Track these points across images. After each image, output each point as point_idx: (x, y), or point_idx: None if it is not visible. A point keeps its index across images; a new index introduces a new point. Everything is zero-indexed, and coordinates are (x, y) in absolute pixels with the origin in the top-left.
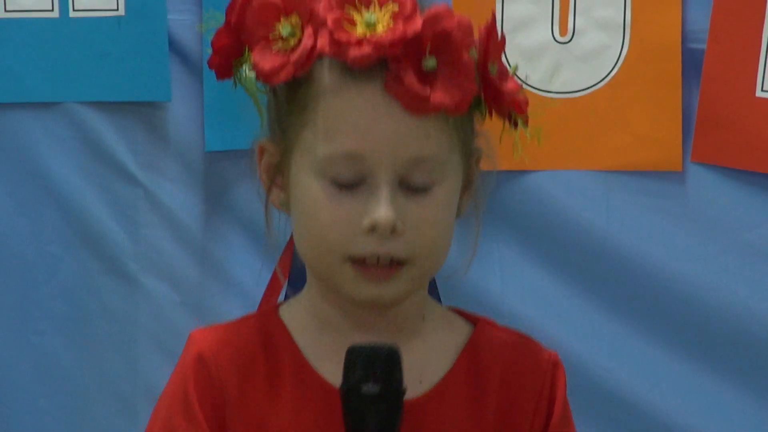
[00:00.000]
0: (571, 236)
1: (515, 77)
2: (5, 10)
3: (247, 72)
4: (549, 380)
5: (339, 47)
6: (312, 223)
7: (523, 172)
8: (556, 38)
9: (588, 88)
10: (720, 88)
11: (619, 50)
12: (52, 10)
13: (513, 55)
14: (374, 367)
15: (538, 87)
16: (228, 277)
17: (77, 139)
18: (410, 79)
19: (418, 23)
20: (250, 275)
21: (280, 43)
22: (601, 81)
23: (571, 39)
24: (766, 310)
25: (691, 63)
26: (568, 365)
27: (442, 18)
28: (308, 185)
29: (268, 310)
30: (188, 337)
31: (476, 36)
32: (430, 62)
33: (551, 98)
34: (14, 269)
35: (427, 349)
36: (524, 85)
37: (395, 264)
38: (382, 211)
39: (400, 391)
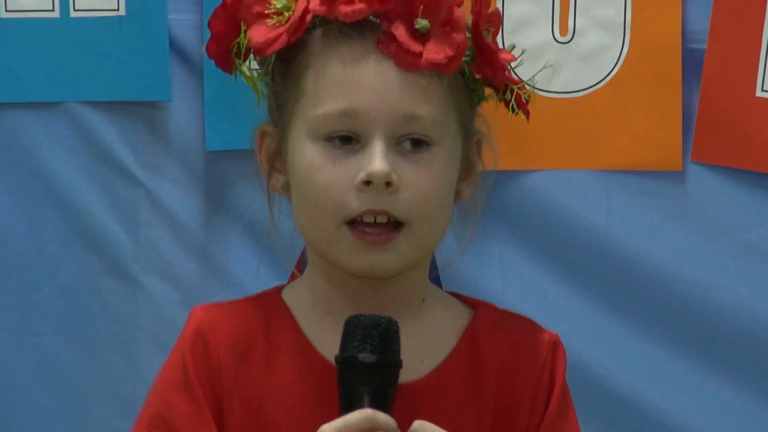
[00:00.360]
0: (572, 236)
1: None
2: (6, 10)
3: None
4: (549, 360)
5: (330, 5)
6: (309, 187)
7: (523, 172)
8: (557, 38)
9: (588, 87)
10: (720, 88)
11: (620, 50)
12: (53, 10)
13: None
14: (372, 337)
15: (538, 87)
16: (228, 276)
17: (78, 139)
18: (402, 36)
19: None
20: (250, 275)
21: (275, 17)
22: (601, 81)
23: (571, 39)
24: (766, 309)
25: (692, 63)
26: (569, 364)
27: None
28: (304, 150)
29: (272, 290)
30: (189, 313)
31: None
32: (422, 23)
33: (551, 98)
34: (15, 269)
35: (428, 332)
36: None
37: (392, 226)
38: (376, 163)
39: (396, 364)
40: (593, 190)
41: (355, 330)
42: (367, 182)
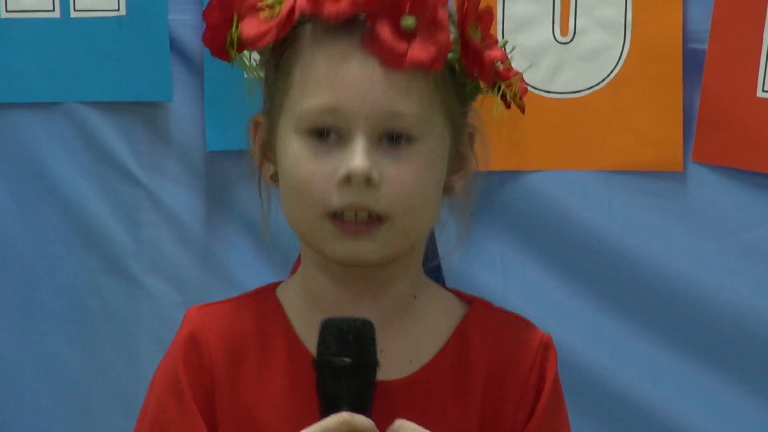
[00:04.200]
0: (573, 236)
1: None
2: (6, 11)
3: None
4: (539, 360)
5: (317, 4)
6: (293, 179)
7: (524, 172)
8: (557, 38)
9: (589, 88)
10: (721, 88)
11: (621, 50)
12: (53, 10)
13: (514, 56)
14: (347, 341)
15: (539, 87)
16: (229, 276)
17: (78, 139)
18: (387, 34)
19: None
20: (251, 274)
21: (267, 12)
22: (602, 81)
23: (572, 39)
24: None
25: (693, 63)
26: (570, 365)
27: None
28: (290, 143)
29: (267, 287)
30: (184, 315)
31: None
32: (408, 21)
33: (552, 98)
34: (16, 269)
35: (419, 329)
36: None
37: (374, 220)
38: (356, 160)
39: (373, 365)
40: (594, 190)
41: (331, 333)
42: (348, 179)
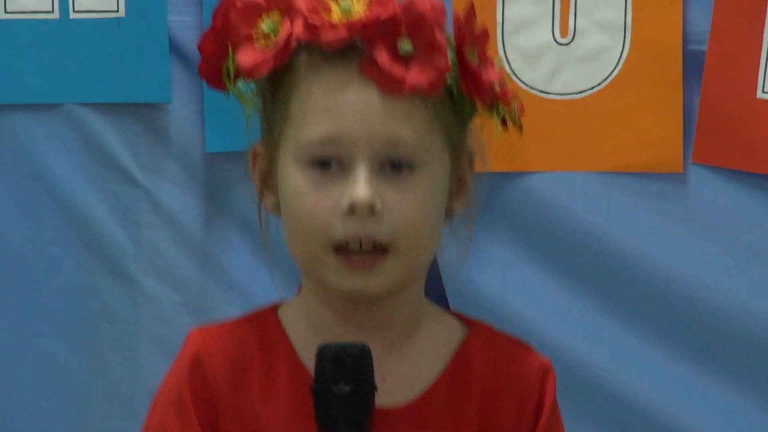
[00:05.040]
0: (573, 237)
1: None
2: (5, 12)
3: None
4: (537, 386)
5: (313, 32)
6: (295, 212)
7: (524, 174)
8: (557, 39)
9: (589, 89)
10: (721, 89)
11: (620, 51)
12: (53, 11)
13: (513, 56)
14: (344, 367)
15: (538, 88)
16: (229, 278)
17: (78, 141)
18: (385, 60)
19: (392, 7)
20: (250, 276)
21: (262, 41)
22: (602, 82)
23: (571, 40)
24: (767, 310)
25: (692, 64)
26: (569, 366)
27: (416, 3)
28: (290, 175)
29: (268, 309)
30: (186, 336)
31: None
32: (405, 46)
33: (552, 100)
34: (15, 270)
35: (419, 356)
36: (524, 87)
37: (378, 251)
38: (359, 189)
39: (370, 391)
40: (594, 191)
41: (327, 360)
42: (351, 209)
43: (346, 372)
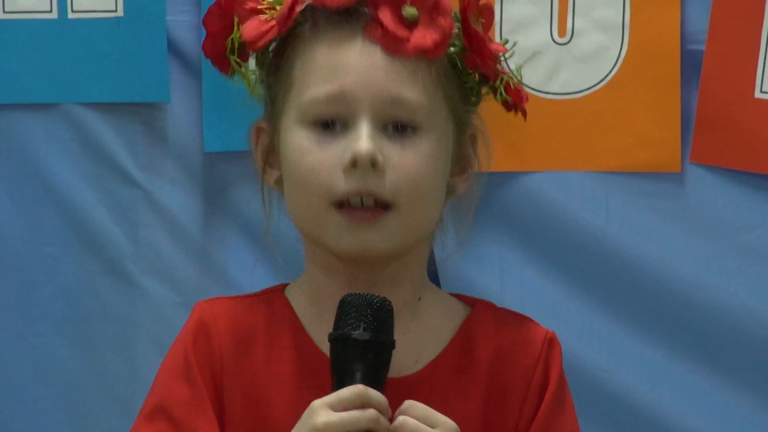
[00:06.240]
0: (571, 237)
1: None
2: (4, 11)
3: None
4: (543, 357)
5: None
6: (297, 170)
7: (522, 174)
8: (555, 39)
9: (587, 89)
10: (719, 89)
11: (618, 51)
12: (51, 11)
13: (512, 56)
14: (366, 315)
15: (537, 88)
16: (227, 278)
17: (76, 140)
18: (389, 22)
19: None
20: (248, 276)
21: (268, 12)
22: (600, 82)
23: (570, 40)
24: (765, 310)
25: (690, 64)
26: (567, 366)
27: None
28: (294, 136)
29: (275, 288)
30: (193, 307)
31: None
32: (410, 11)
33: (550, 99)
34: (13, 270)
35: (423, 329)
36: (523, 86)
37: (380, 207)
38: (361, 143)
39: (389, 342)
40: (592, 191)
41: (349, 308)
42: (354, 163)
43: (366, 319)
